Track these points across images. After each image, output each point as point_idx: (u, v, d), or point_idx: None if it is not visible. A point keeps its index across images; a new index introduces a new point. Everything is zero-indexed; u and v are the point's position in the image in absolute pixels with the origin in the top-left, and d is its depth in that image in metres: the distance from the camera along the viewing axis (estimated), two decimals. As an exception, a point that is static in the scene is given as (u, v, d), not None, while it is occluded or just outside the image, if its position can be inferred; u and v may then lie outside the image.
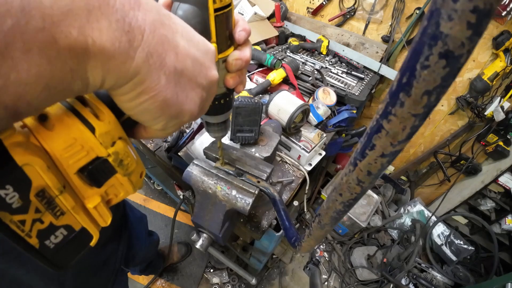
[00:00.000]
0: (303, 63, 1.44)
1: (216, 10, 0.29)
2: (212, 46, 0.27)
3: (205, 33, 0.29)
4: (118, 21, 0.18)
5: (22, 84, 0.15)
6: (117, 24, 0.17)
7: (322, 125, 1.09)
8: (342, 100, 1.27)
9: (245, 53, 0.34)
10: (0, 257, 0.44)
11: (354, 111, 1.17)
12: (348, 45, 1.63)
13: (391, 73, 1.52)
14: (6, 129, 0.19)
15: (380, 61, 1.55)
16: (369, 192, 1.83)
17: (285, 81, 1.23)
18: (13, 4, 0.14)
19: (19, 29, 0.14)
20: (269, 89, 1.21)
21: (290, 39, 1.59)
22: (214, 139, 0.78)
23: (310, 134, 0.99)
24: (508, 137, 1.50)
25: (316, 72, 1.34)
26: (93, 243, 0.27)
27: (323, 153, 1.02)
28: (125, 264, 0.83)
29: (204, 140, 0.88)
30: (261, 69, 1.30)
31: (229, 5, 0.30)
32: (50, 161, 0.21)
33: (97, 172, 0.24)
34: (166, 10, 0.22)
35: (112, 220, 0.28)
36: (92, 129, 0.22)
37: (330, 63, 1.49)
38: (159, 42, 0.20)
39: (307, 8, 1.76)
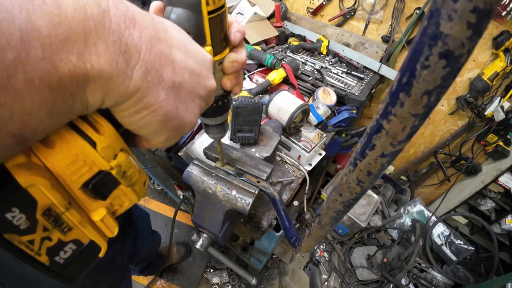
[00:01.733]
0: (303, 63, 1.44)
1: (209, 13, 0.28)
2: (209, 55, 0.27)
3: (200, 36, 0.29)
4: (115, 43, 0.18)
5: (27, 113, 0.16)
6: (113, 45, 0.18)
7: (322, 125, 1.09)
8: (342, 100, 1.27)
9: (241, 54, 0.34)
10: (7, 256, 0.43)
11: (354, 111, 1.17)
12: (348, 45, 1.63)
13: (391, 73, 1.52)
14: (13, 156, 0.19)
15: (380, 61, 1.55)
16: (369, 192, 1.83)
17: (285, 81, 1.23)
18: (12, 37, 0.14)
19: (20, 61, 0.14)
20: (269, 89, 1.21)
21: (290, 39, 1.59)
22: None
23: (310, 134, 0.99)
24: (508, 137, 1.50)
25: (316, 72, 1.34)
26: (101, 254, 0.27)
27: (323, 153, 1.02)
28: (129, 261, 0.83)
29: (204, 140, 0.88)
30: (261, 69, 1.30)
31: (223, 6, 0.30)
32: (54, 179, 0.21)
33: (101, 185, 0.24)
34: (161, 24, 0.22)
35: (118, 216, 0.28)
36: (93, 144, 0.22)
37: (330, 63, 1.49)
38: (156, 58, 0.20)
39: (307, 8, 1.76)
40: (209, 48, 0.30)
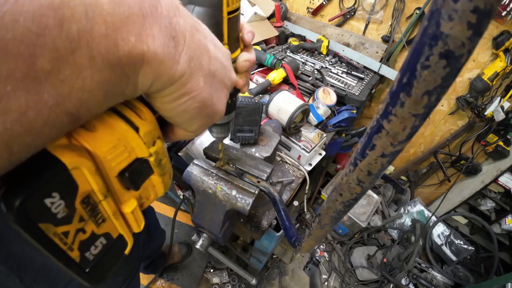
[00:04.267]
0: (303, 63, 1.44)
1: (229, 13, 0.30)
2: (228, 51, 0.28)
3: (218, 35, 0.30)
4: (166, 27, 0.18)
5: (86, 91, 0.15)
6: (165, 30, 0.18)
7: (322, 125, 1.09)
8: (342, 100, 1.27)
9: (252, 54, 0.35)
10: (29, 246, 0.43)
11: (354, 111, 1.17)
12: (348, 45, 1.63)
13: (391, 73, 1.53)
14: (61, 136, 0.18)
15: (380, 61, 1.55)
16: (369, 192, 1.83)
17: (285, 81, 1.23)
18: (76, 9, 0.14)
19: (84, 35, 0.14)
20: (269, 89, 1.21)
21: (290, 39, 1.59)
22: (215, 139, 0.78)
23: (310, 134, 0.99)
24: (508, 137, 1.50)
25: (316, 72, 1.34)
26: (127, 250, 0.26)
27: (323, 153, 1.02)
28: (143, 253, 0.84)
29: (204, 140, 0.88)
30: (261, 69, 1.30)
31: (239, 8, 0.31)
32: (95, 164, 0.20)
33: (137, 174, 0.23)
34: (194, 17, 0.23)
35: None
36: (136, 129, 0.22)
37: (330, 63, 1.49)
38: (196, 46, 0.21)
39: (307, 8, 1.76)
40: (226, 46, 0.31)
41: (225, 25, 0.30)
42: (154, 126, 0.24)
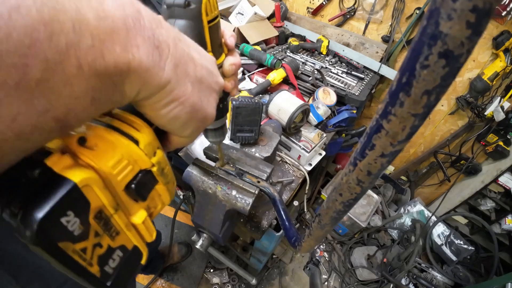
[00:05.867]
0: (303, 63, 1.44)
1: (209, 22, 0.31)
2: (213, 57, 0.29)
3: (201, 44, 0.31)
4: (149, 38, 0.20)
5: (73, 98, 0.16)
6: (149, 40, 0.20)
7: (322, 125, 1.09)
8: (342, 100, 1.27)
9: (237, 58, 0.37)
10: (24, 247, 0.43)
11: (354, 111, 1.17)
12: (348, 45, 1.63)
13: (391, 73, 1.52)
14: (50, 141, 0.19)
15: (380, 61, 1.55)
16: (369, 192, 1.83)
17: (285, 81, 1.23)
18: (65, 24, 0.15)
19: (72, 46, 0.15)
20: (269, 89, 1.21)
21: (290, 39, 1.59)
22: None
23: (310, 134, 0.99)
24: (508, 137, 1.50)
25: (316, 72, 1.34)
26: (143, 260, 0.26)
27: (323, 153, 1.02)
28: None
29: (204, 140, 0.88)
30: (261, 69, 1.30)
31: (218, 15, 0.32)
32: (102, 180, 0.21)
33: (142, 185, 0.24)
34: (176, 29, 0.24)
35: None
36: (136, 142, 0.23)
37: (330, 63, 1.49)
38: (180, 54, 0.23)
39: (307, 8, 1.76)
40: (210, 54, 0.33)
41: (206, 33, 0.32)
42: (152, 137, 0.25)
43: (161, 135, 0.27)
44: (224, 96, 0.40)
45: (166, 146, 0.29)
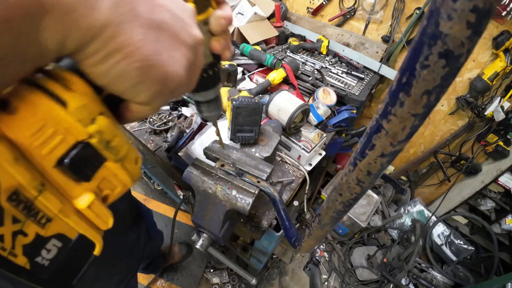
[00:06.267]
0: (303, 63, 1.44)
1: None
2: (189, 5, 0.24)
3: None
4: None
5: None
6: None
7: (322, 125, 1.09)
8: (342, 100, 1.27)
9: (227, 11, 0.29)
10: None
11: (354, 111, 1.17)
12: (348, 45, 1.63)
13: (391, 73, 1.52)
14: None
15: (380, 61, 1.55)
16: (369, 192, 1.83)
17: (285, 81, 1.23)
18: None
19: None
20: (269, 89, 1.21)
21: (290, 39, 1.59)
22: (214, 139, 0.78)
23: (310, 134, 0.99)
24: (508, 137, 1.50)
25: (316, 72, 1.34)
26: (97, 251, 0.23)
27: (323, 153, 1.02)
28: (143, 254, 0.83)
29: (204, 140, 0.88)
30: (261, 69, 1.30)
31: None
32: (19, 153, 0.17)
33: (81, 161, 0.19)
34: None
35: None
36: (63, 104, 0.18)
37: (330, 63, 1.49)
38: None
39: (307, 8, 1.76)
40: (190, 3, 0.26)
41: None
42: (90, 99, 0.19)
43: (117, 103, 0.23)
44: (214, 60, 0.33)
45: (125, 117, 0.24)
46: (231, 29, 1.41)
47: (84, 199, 0.20)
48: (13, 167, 0.16)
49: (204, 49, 0.30)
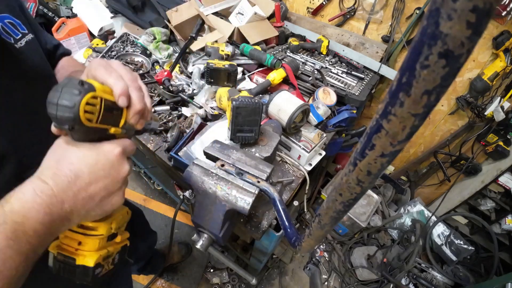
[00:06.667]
0: (303, 63, 1.44)
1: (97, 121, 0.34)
2: (112, 153, 0.36)
3: (101, 133, 0.37)
4: (61, 212, 0.34)
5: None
6: (61, 213, 0.34)
7: (322, 125, 1.09)
8: (342, 100, 1.26)
9: (136, 107, 0.38)
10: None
11: (354, 111, 1.17)
12: (348, 45, 1.63)
13: (391, 73, 1.52)
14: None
15: (380, 61, 1.54)
16: (369, 192, 1.82)
17: (285, 81, 1.23)
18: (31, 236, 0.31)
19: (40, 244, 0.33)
20: (269, 89, 1.21)
21: (290, 39, 1.59)
22: (214, 139, 0.78)
23: (310, 134, 0.99)
24: (508, 137, 1.50)
25: (316, 72, 1.34)
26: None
27: (323, 153, 1.02)
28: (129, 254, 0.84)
29: (204, 140, 0.88)
30: (261, 69, 1.30)
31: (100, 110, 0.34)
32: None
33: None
34: (84, 191, 0.35)
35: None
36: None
37: (330, 63, 1.49)
38: (79, 205, 0.35)
39: (307, 8, 1.76)
40: (113, 129, 0.37)
41: (97, 130, 0.35)
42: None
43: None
44: (130, 131, 0.43)
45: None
46: (230, 30, 1.41)
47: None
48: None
49: (131, 131, 0.42)
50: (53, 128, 0.34)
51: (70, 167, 0.33)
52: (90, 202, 0.35)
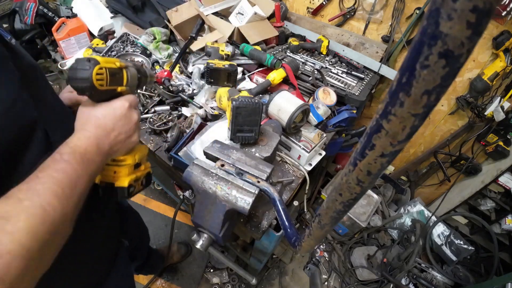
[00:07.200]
0: (303, 63, 1.44)
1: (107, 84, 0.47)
2: (126, 105, 0.50)
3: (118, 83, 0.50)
4: (104, 148, 0.46)
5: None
6: (104, 149, 0.46)
7: (322, 125, 1.09)
8: (342, 100, 1.26)
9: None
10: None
11: (354, 111, 1.17)
12: (348, 45, 1.63)
13: (391, 73, 1.52)
14: None
15: (380, 61, 1.54)
16: (369, 192, 1.82)
17: (285, 81, 1.23)
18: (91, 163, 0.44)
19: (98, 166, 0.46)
20: (269, 89, 1.21)
21: (290, 39, 1.59)
22: (214, 139, 0.78)
23: (310, 134, 0.99)
24: (508, 137, 1.50)
25: (316, 72, 1.34)
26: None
27: (323, 153, 1.02)
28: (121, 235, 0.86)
29: (204, 140, 0.88)
30: (261, 69, 1.30)
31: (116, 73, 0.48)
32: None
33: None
34: (107, 137, 0.47)
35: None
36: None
37: (330, 63, 1.49)
38: (110, 143, 0.47)
39: (307, 8, 1.76)
40: (119, 88, 0.50)
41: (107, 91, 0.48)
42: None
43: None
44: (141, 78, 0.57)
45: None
46: (230, 30, 1.41)
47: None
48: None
49: (132, 87, 0.54)
50: (78, 96, 0.53)
51: (98, 122, 0.46)
52: (118, 142, 0.48)
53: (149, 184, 0.62)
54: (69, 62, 1.39)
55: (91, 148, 0.42)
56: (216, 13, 1.49)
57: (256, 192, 0.62)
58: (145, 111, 1.10)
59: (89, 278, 0.68)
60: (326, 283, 1.72)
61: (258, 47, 1.36)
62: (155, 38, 1.32)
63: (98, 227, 0.67)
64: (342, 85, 1.33)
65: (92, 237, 0.65)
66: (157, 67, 1.29)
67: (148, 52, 1.34)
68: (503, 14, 1.23)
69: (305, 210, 1.03)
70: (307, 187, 0.98)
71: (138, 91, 1.14)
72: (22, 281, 0.29)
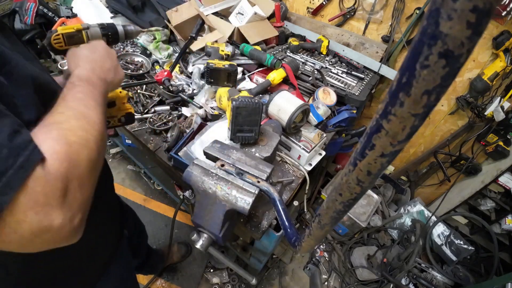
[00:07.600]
0: (303, 63, 1.44)
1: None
2: (102, 43, 0.59)
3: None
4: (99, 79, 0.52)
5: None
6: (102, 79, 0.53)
7: (322, 125, 1.09)
8: (342, 100, 1.27)
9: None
10: None
11: (354, 111, 1.17)
12: (348, 45, 1.63)
13: (391, 73, 1.52)
14: None
15: (380, 61, 1.54)
16: (369, 192, 1.82)
17: (285, 81, 1.23)
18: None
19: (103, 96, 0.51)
20: (269, 89, 1.21)
21: (290, 39, 1.59)
22: (214, 139, 0.78)
23: (310, 134, 0.99)
24: (508, 137, 1.50)
25: (316, 72, 1.34)
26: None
27: (323, 153, 1.02)
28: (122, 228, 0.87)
29: (204, 140, 0.88)
30: (261, 69, 1.30)
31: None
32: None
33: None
34: (97, 70, 0.52)
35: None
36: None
37: (330, 63, 1.49)
38: (100, 72, 0.53)
39: (307, 8, 1.76)
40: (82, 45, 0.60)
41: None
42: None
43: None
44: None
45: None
46: (230, 30, 1.41)
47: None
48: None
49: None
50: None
51: (88, 58, 0.53)
52: (109, 72, 0.54)
53: (131, 122, 0.74)
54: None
55: (91, 75, 0.49)
56: (216, 13, 1.49)
57: (256, 192, 0.62)
58: (145, 111, 1.10)
59: (92, 267, 0.68)
60: (326, 283, 1.72)
61: (258, 47, 1.36)
62: (155, 38, 1.32)
63: (101, 216, 0.67)
64: (342, 85, 1.33)
65: (96, 227, 0.65)
66: (157, 67, 1.29)
67: (148, 52, 1.34)
68: (503, 14, 1.23)
69: (305, 210, 1.03)
70: (307, 187, 0.98)
71: (139, 88, 1.15)
72: (93, 169, 0.37)
